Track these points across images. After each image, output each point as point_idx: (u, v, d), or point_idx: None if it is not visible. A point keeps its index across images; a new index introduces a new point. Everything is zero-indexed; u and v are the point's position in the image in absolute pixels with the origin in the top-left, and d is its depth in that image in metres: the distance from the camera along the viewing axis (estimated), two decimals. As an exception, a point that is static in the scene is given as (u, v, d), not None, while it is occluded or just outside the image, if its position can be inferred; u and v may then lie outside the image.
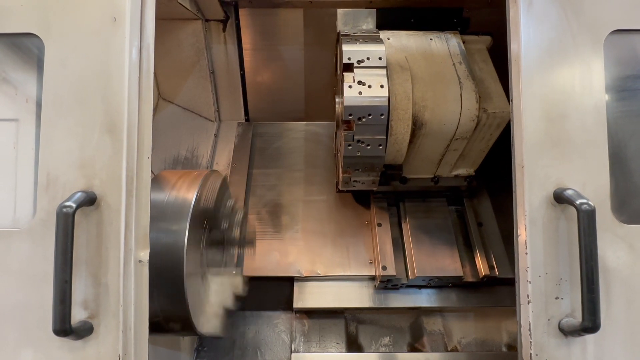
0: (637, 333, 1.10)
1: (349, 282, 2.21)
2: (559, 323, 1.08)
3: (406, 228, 2.28)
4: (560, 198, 1.09)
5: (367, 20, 2.11)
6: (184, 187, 1.56)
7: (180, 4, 2.13)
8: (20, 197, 1.20)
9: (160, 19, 2.42)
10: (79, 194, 1.06)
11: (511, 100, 1.16)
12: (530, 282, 1.09)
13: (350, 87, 1.73)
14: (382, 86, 1.73)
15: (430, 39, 2.03)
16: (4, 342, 1.09)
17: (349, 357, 2.06)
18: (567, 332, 1.07)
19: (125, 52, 1.13)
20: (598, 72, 1.14)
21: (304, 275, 2.18)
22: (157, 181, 1.63)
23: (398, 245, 2.24)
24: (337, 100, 2.08)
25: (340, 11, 2.07)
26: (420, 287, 2.17)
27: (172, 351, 1.91)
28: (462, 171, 2.18)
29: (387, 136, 1.81)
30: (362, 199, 2.48)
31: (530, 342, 1.07)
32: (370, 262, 2.22)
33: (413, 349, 2.09)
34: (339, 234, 2.35)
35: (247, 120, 2.87)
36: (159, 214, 1.44)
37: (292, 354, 2.02)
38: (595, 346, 1.09)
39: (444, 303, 2.15)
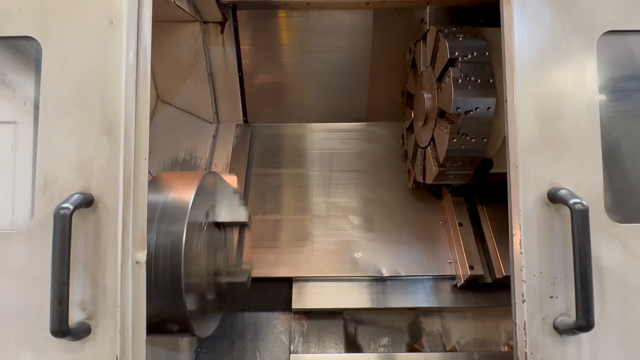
0: (632, 331, 1.10)
1: (346, 283, 2.21)
2: (554, 322, 1.09)
3: (486, 226, 2.27)
4: (554, 198, 1.09)
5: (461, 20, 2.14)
6: (182, 188, 1.56)
7: (178, 6, 2.14)
8: (18, 199, 1.20)
9: (158, 21, 2.43)
10: (77, 195, 1.06)
11: (505, 101, 1.16)
12: (525, 282, 1.09)
13: (458, 81, 1.78)
14: (489, 81, 1.78)
15: None
16: (2, 343, 1.09)
17: (347, 358, 2.06)
18: (562, 330, 1.07)
19: (122, 54, 1.14)
20: (591, 72, 1.15)
21: (385, 275, 2.20)
22: (155, 183, 1.64)
23: (478, 244, 2.24)
24: (426, 96, 2.09)
25: (430, 8, 2.12)
26: (503, 286, 2.17)
27: (170, 352, 1.91)
28: None
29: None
30: (436, 194, 2.51)
31: (526, 341, 1.08)
32: (450, 262, 2.23)
33: (412, 349, 2.09)
34: (415, 234, 2.37)
35: (245, 121, 2.88)
36: (157, 216, 1.44)
37: (291, 354, 2.03)
38: (590, 345, 1.09)
39: (443, 303, 2.15)
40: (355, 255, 2.28)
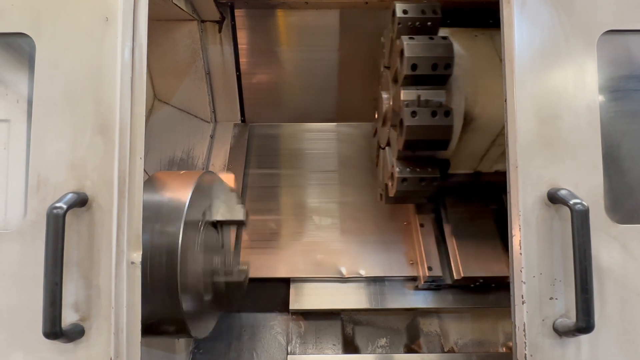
0: (631, 333, 1.10)
1: (344, 284, 2.20)
2: (554, 323, 1.08)
3: (448, 228, 2.28)
4: (554, 198, 1.08)
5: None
6: (178, 188, 1.55)
7: (176, 5, 2.12)
8: (11, 198, 1.18)
9: (155, 19, 2.42)
10: (70, 195, 1.04)
11: (505, 101, 1.16)
12: (524, 283, 1.09)
13: (411, 38, 1.71)
14: (443, 37, 1.71)
15: (475, 35, 2.02)
16: (-6, 344, 1.07)
17: (345, 359, 2.05)
18: (562, 332, 1.06)
19: (117, 52, 1.12)
20: (591, 72, 1.14)
21: (346, 276, 2.20)
22: (151, 182, 1.62)
23: (440, 245, 2.25)
24: (384, 96, 2.05)
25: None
26: (463, 287, 2.18)
27: (167, 353, 1.90)
28: (502, 167, 2.15)
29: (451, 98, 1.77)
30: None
31: (525, 342, 1.07)
32: (412, 263, 2.22)
33: (409, 350, 2.08)
34: (379, 235, 2.36)
35: (243, 121, 2.87)
36: (153, 216, 1.43)
37: (289, 355, 2.02)
38: (589, 346, 1.08)
39: (440, 304, 2.15)
40: (318, 257, 2.27)
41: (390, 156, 2.09)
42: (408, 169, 1.90)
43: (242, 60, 2.65)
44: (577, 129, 1.13)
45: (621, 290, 1.10)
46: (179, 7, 2.17)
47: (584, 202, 1.03)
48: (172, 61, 2.62)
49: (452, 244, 2.22)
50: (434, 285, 2.15)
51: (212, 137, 2.79)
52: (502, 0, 1.17)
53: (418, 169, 1.90)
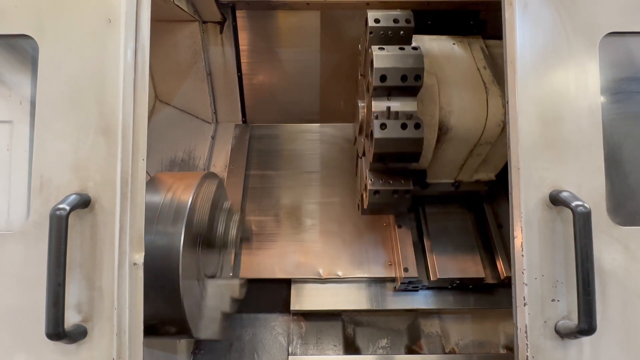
0: (633, 335, 1.10)
1: (345, 284, 2.20)
2: (555, 325, 1.08)
3: (426, 230, 2.27)
4: (556, 200, 1.08)
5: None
6: (180, 189, 1.55)
7: (177, 6, 2.13)
8: (14, 199, 1.19)
9: (156, 20, 2.43)
10: (73, 196, 1.05)
11: (507, 103, 1.16)
12: (526, 285, 1.09)
13: (381, 48, 1.66)
14: (414, 48, 1.66)
15: (453, 44, 2.00)
16: (-4, 345, 1.08)
17: (346, 360, 2.06)
18: (564, 334, 1.06)
19: (120, 53, 1.12)
20: (593, 74, 1.15)
21: (324, 277, 2.18)
22: (153, 183, 1.63)
23: (418, 247, 2.23)
24: (360, 105, 2.00)
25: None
26: (440, 288, 2.17)
27: (168, 354, 1.90)
28: (483, 176, 2.16)
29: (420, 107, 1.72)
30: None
31: (527, 344, 1.07)
32: (390, 264, 2.21)
33: (410, 351, 2.08)
34: (357, 236, 2.34)
35: (244, 122, 2.87)
36: (155, 217, 1.43)
37: (290, 356, 2.02)
38: (591, 348, 1.08)
39: (442, 305, 2.15)
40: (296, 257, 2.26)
41: (365, 167, 2.06)
42: (380, 181, 1.86)
43: (244, 61, 2.65)
44: (579, 130, 1.13)
45: (623, 292, 1.10)
46: (181, 8, 2.17)
47: (586, 204, 1.03)
48: (174, 62, 2.62)
49: (429, 245, 2.21)
50: (411, 287, 2.13)
51: (213, 137, 2.79)
52: (504, 2, 1.17)
53: (391, 181, 1.86)
